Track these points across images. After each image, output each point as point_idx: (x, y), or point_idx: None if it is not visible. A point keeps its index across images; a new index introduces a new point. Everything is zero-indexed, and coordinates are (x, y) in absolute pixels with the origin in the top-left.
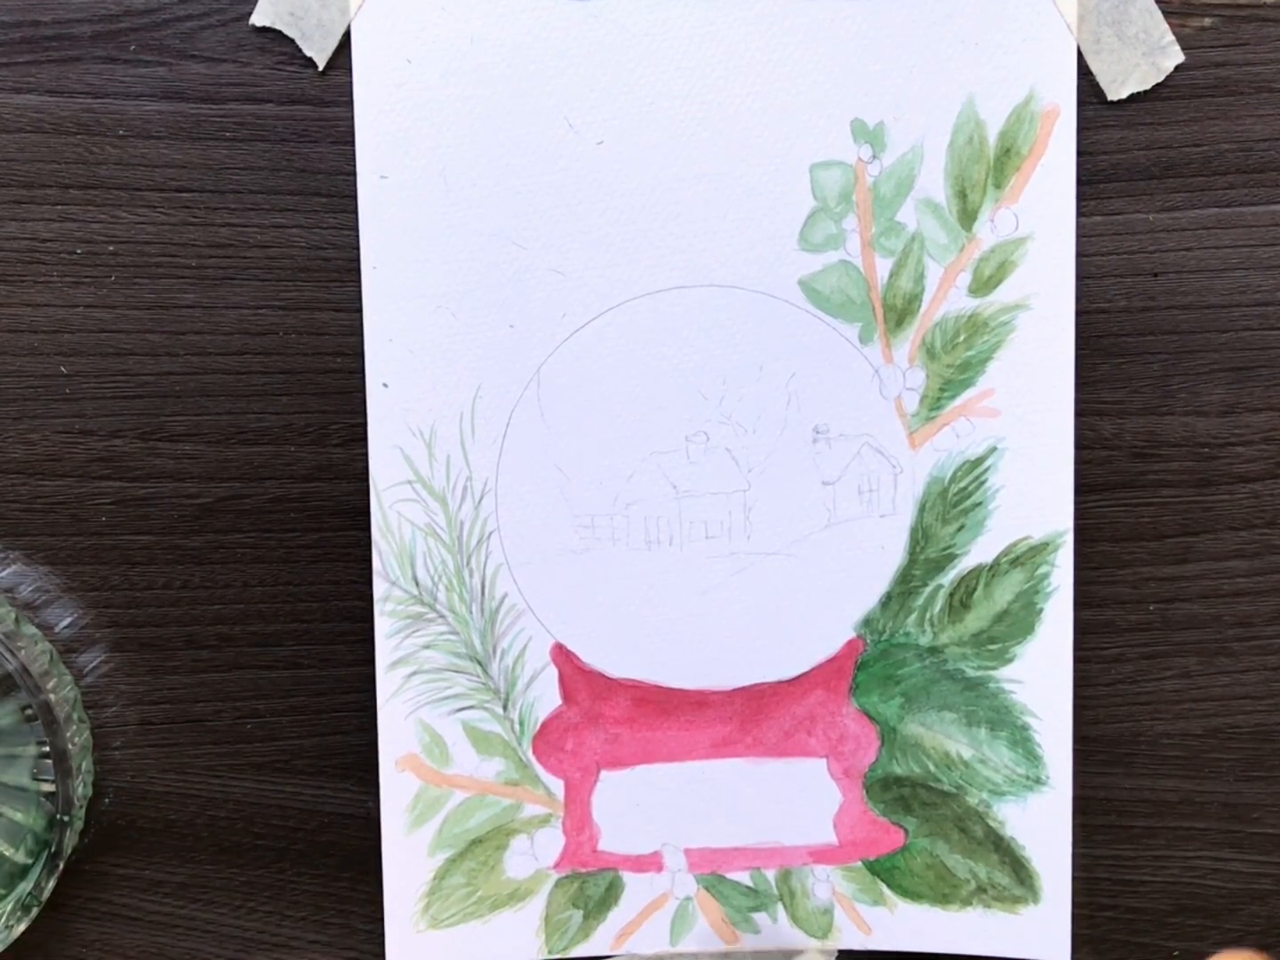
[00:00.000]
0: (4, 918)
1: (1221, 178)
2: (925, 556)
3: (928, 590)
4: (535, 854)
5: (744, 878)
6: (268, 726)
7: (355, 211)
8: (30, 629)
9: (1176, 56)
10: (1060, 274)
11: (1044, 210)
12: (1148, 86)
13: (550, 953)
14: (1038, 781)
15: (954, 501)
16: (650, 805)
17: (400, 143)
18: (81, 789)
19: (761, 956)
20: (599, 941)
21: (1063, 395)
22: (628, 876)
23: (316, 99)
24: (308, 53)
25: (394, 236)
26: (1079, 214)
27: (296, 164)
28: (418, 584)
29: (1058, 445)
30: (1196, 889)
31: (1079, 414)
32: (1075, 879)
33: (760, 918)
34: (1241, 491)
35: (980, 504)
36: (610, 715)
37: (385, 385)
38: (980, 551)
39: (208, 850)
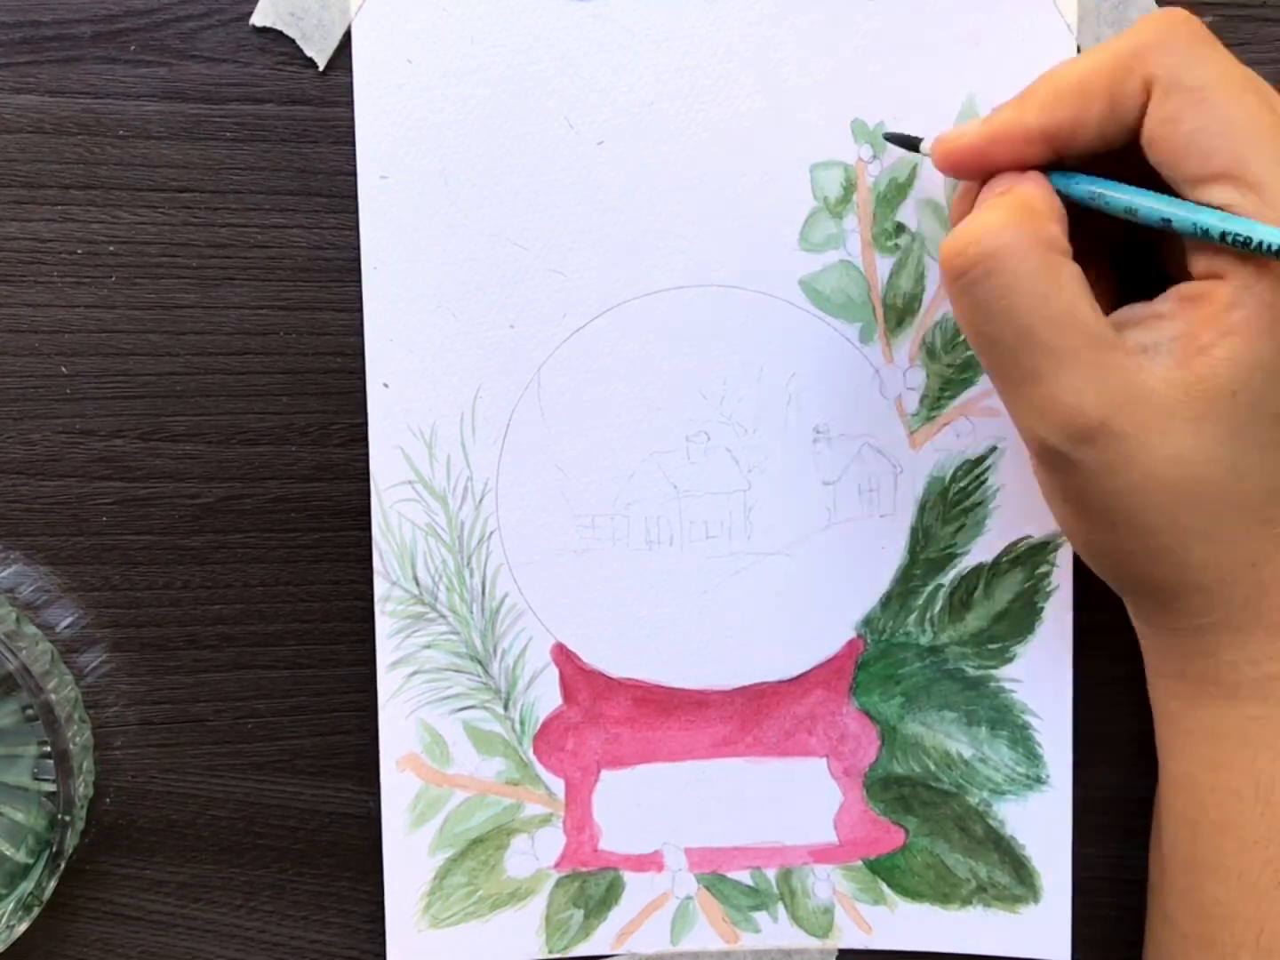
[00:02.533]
0: (5, 917)
1: None
2: (925, 556)
3: (928, 590)
4: (536, 853)
5: (744, 877)
6: (268, 726)
7: (356, 212)
8: (31, 629)
9: None
10: None
11: None
12: None
13: (551, 952)
14: (1038, 780)
15: (954, 501)
16: (651, 805)
17: (400, 143)
18: (82, 789)
19: (762, 956)
20: (600, 941)
21: None
22: (628, 876)
23: (317, 99)
24: (308, 53)
25: (394, 237)
26: None
27: (297, 164)
28: (418, 584)
29: None
30: None
31: None
32: (1075, 878)
33: (761, 917)
34: None
35: (980, 503)
36: (611, 715)
37: (386, 385)
38: (980, 551)
39: (208, 850)
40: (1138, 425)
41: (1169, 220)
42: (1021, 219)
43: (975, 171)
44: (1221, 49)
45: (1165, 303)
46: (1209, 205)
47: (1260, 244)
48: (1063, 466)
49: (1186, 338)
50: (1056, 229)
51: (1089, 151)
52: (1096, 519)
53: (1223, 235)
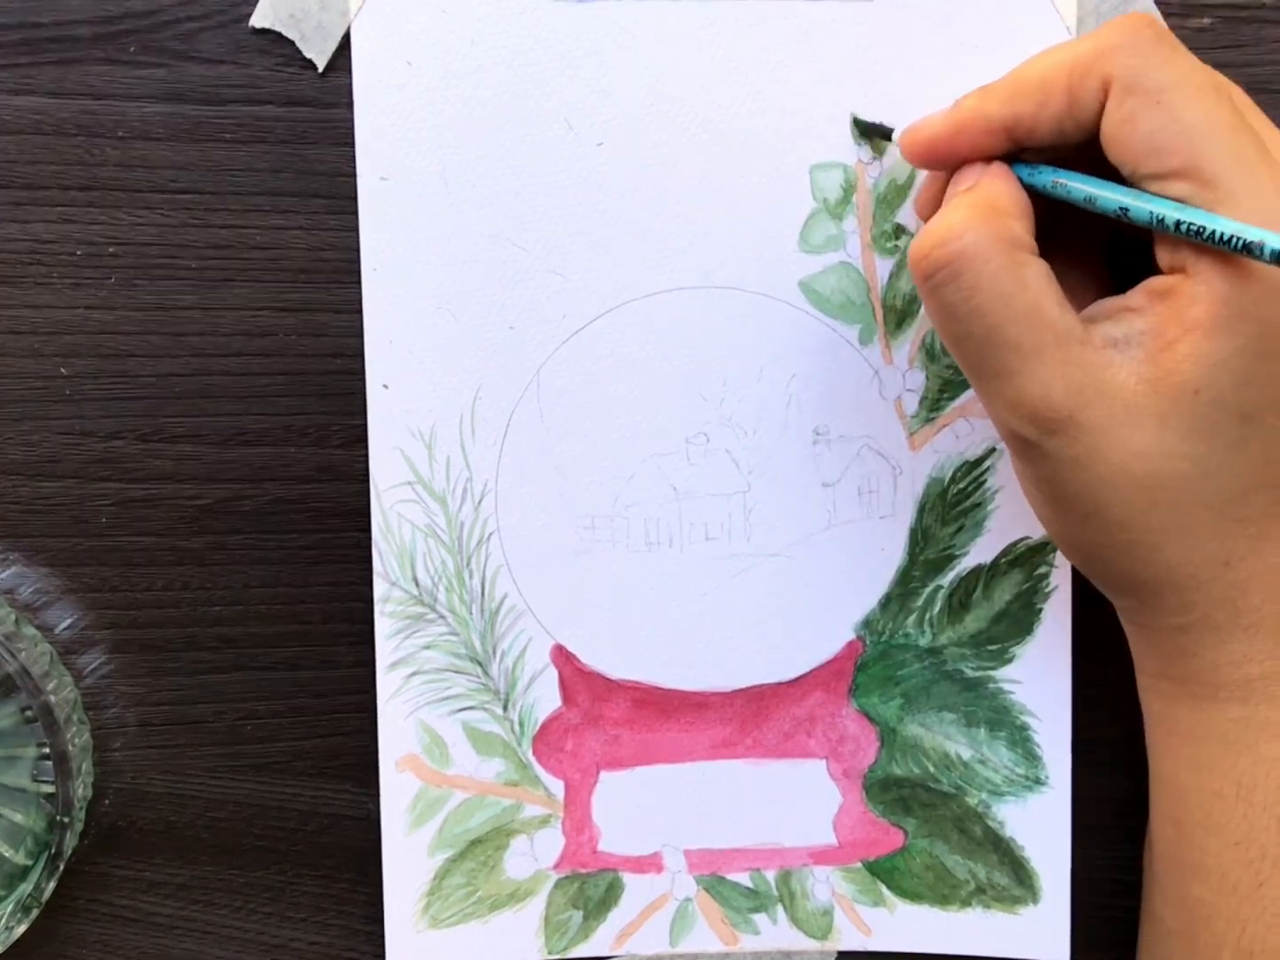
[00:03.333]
0: (4, 919)
1: None
2: (925, 557)
3: (927, 591)
4: (535, 855)
5: (744, 879)
6: (268, 727)
7: (355, 213)
8: (30, 630)
9: None
10: None
11: None
12: None
13: (550, 953)
14: (1037, 782)
15: (953, 502)
16: (650, 806)
17: (400, 144)
18: (81, 790)
19: (761, 958)
20: (599, 942)
21: None
22: (627, 877)
23: (316, 101)
24: (308, 54)
25: (394, 238)
26: None
27: (297, 166)
28: (418, 585)
29: None
30: None
31: None
32: (1075, 879)
33: (760, 919)
34: None
35: (979, 505)
36: (610, 716)
37: (385, 386)
38: (979, 552)
39: (208, 851)
40: (1104, 419)
41: (1126, 209)
42: (984, 218)
43: (942, 161)
44: (1184, 52)
45: (1135, 296)
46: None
47: (1214, 234)
48: (1035, 457)
49: (1154, 332)
50: (1019, 226)
51: (1049, 144)
52: (1068, 512)
53: (1177, 225)
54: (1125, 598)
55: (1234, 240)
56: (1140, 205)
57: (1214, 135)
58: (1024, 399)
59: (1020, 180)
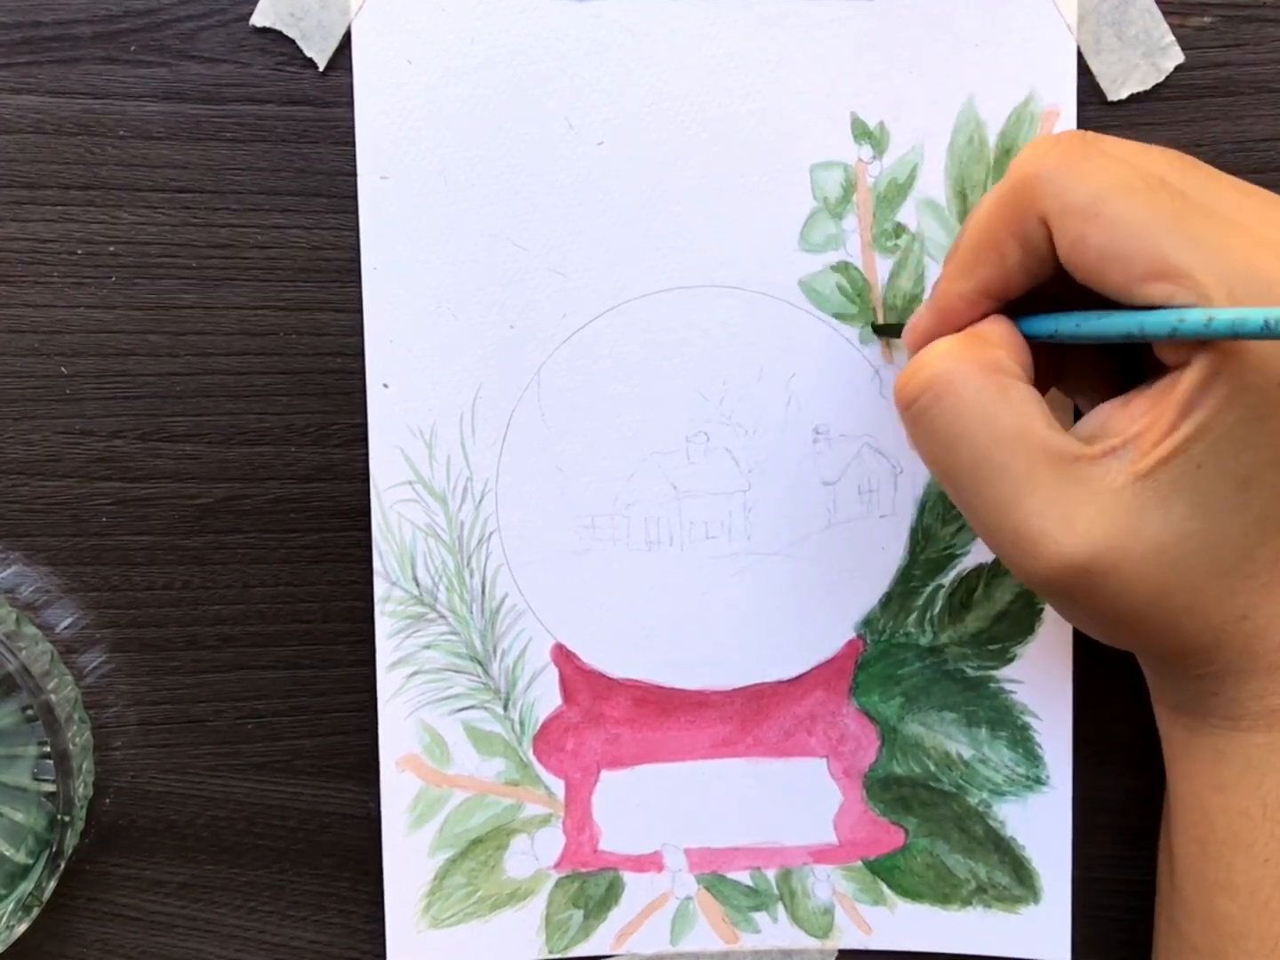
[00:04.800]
0: (5, 918)
1: None
2: (925, 557)
3: (928, 590)
4: (536, 854)
5: (744, 877)
6: (268, 727)
7: (356, 212)
8: (31, 629)
9: (1177, 57)
10: None
11: None
12: (1148, 87)
13: (551, 952)
14: (1038, 781)
15: None
16: (651, 805)
17: (401, 143)
18: (82, 789)
19: (762, 956)
20: (599, 941)
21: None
22: (628, 876)
23: (317, 99)
24: (308, 53)
25: (394, 237)
26: None
27: (297, 164)
28: (418, 584)
29: None
30: None
31: (1079, 412)
32: (1075, 879)
33: (760, 917)
34: None
35: None
36: (610, 715)
37: (386, 386)
38: (980, 552)
39: (208, 850)
40: (1109, 534)
41: (1129, 336)
42: (964, 346)
43: None
44: (1098, 153)
45: (1139, 401)
46: (1150, 306)
47: (1213, 331)
48: (1049, 593)
49: (1153, 423)
50: (1002, 354)
51: (1030, 290)
52: (1087, 622)
53: (1173, 333)
54: (1143, 658)
55: (1233, 332)
56: (1135, 330)
57: (1165, 226)
58: (1023, 537)
59: (1024, 333)
